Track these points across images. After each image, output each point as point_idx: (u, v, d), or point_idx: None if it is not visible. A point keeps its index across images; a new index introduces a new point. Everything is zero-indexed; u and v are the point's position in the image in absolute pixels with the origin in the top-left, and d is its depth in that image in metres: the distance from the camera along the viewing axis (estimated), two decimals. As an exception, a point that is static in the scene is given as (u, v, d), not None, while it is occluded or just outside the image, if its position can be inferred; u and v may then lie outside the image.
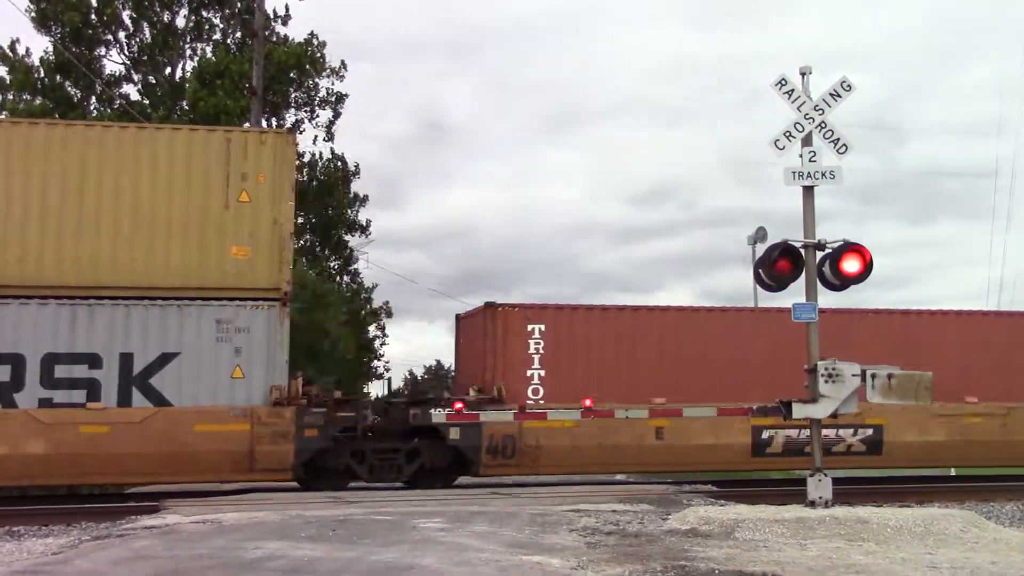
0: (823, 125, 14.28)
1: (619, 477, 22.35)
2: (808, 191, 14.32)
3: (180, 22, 40.01)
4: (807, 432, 18.15)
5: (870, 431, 21.39)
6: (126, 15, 39.09)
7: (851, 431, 21.23)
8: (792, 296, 14.66)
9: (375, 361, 45.07)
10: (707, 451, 20.65)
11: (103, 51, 39.56)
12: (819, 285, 14.27)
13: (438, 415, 19.12)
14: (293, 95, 40.86)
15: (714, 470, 21.98)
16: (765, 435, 21.03)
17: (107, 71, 39.75)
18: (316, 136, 42.02)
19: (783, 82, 14.42)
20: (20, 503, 18.38)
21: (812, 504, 13.51)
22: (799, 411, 14.06)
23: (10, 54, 37.75)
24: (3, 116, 17.91)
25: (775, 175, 14.74)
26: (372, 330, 44.00)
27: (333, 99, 41.56)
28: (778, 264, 14.16)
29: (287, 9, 40.35)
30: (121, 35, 39.45)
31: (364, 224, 41.89)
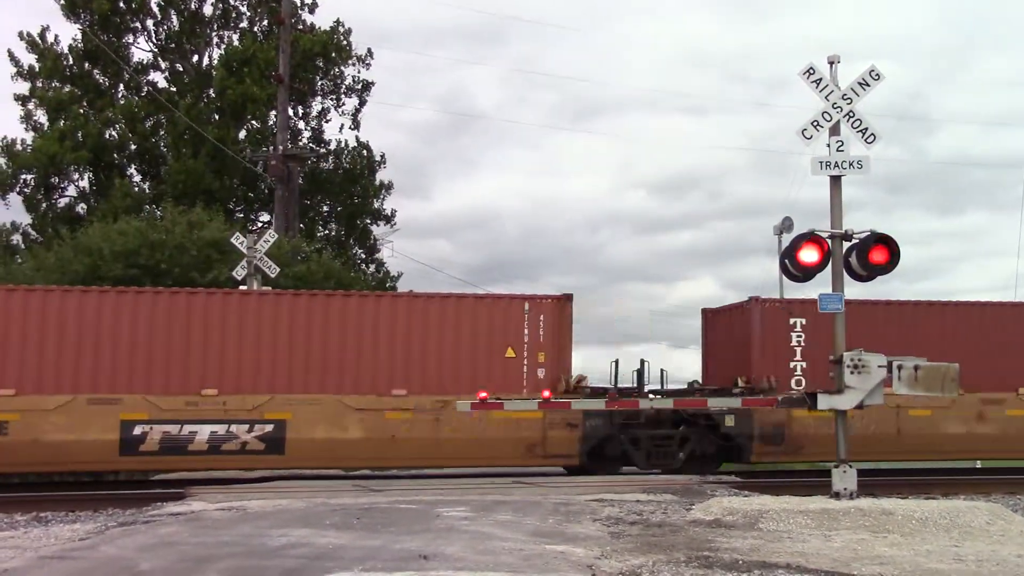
0: (851, 114, 14.17)
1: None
2: (835, 181, 14.22)
3: (207, 10, 40.20)
4: (189, 428, 18.70)
5: (270, 427, 19.10)
6: (154, 3, 39.28)
7: (246, 427, 18.98)
8: (818, 286, 14.57)
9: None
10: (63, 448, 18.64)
11: (131, 39, 39.79)
12: (845, 276, 14.18)
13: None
14: (319, 83, 40.95)
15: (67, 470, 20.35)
16: (138, 431, 18.65)
17: (135, 58, 39.95)
18: (342, 124, 42.13)
19: (811, 71, 14.32)
20: (47, 488, 18.53)
21: (837, 495, 13.44)
22: (824, 402, 13.97)
23: (39, 42, 37.96)
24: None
25: (802, 164, 14.66)
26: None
27: (359, 87, 41.63)
28: (804, 254, 14.08)
29: (314, -3, 40.46)
30: (149, 23, 39.66)
31: (389, 214, 41.88)
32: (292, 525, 11.37)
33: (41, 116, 38.03)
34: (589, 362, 38.60)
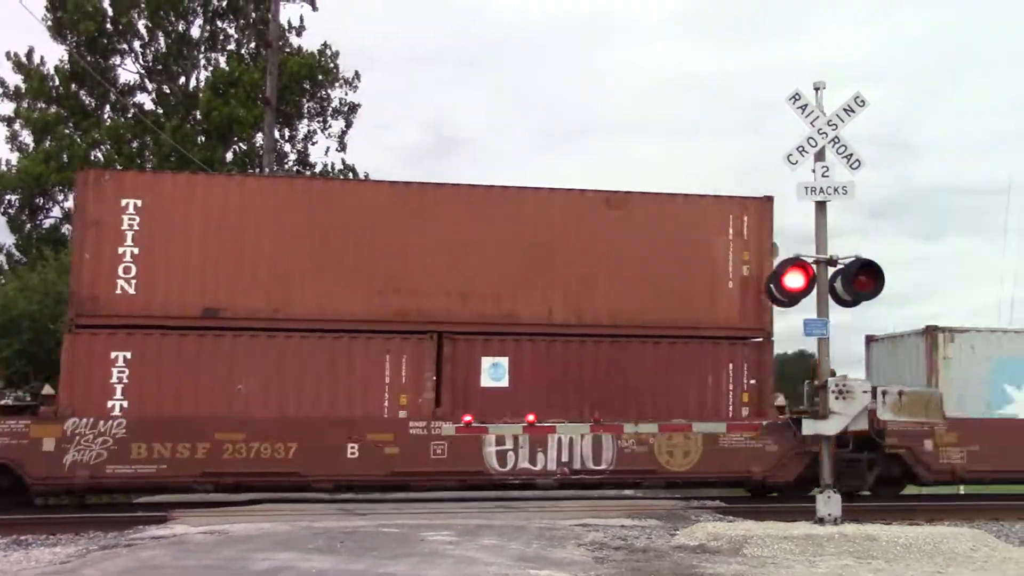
0: (836, 140, 14.25)
1: (627, 492, 22.17)
2: (821, 206, 14.29)
3: (195, 32, 40.16)
4: None
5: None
6: (141, 24, 39.23)
7: None
8: (804, 311, 14.60)
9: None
10: None
11: (118, 60, 39.69)
12: (831, 301, 14.23)
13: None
14: (306, 105, 40.95)
15: None
16: None
17: (121, 80, 39.90)
18: (328, 147, 42.08)
19: (797, 96, 14.41)
20: (29, 511, 18.39)
21: (821, 521, 13.45)
22: (809, 427, 14.01)
23: (26, 62, 37.92)
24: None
25: (787, 189, 14.74)
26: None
27: (346, 109, 41.63)
28: (789, 279, 14.12)
29: (301, 20, 40.49)
30: (136, 44, 39.61)
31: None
32: (275, 549, 11.31)
33: (26, 137, 37.96)
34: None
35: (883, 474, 20.69)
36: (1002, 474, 21.16)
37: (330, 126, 41.57)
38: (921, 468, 20.67)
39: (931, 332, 21.48)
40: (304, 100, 40.70)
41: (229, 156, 38.81)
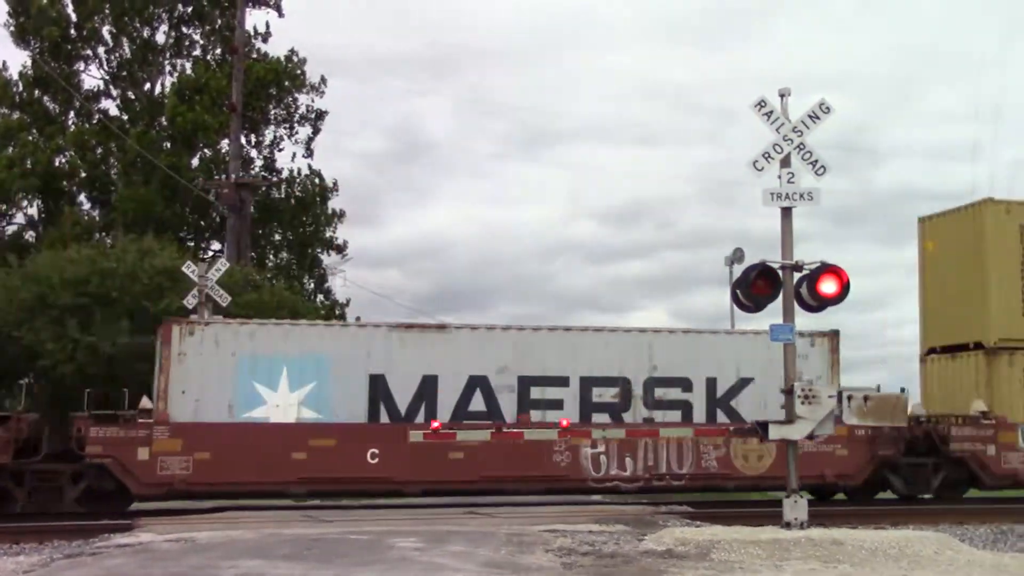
0: (802, 147, 14.32)
1: (595, 498, 22.21)
2: (786, 212, 14.36)
3: (160, 38, 40.01)
4: None
5: None
6: (106, 30, 39.06)
7: None
8: (770, 317, 14.67)
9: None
10: None
11: (82, 66, 39.48)
12: (796, 306, 14.31)
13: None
14: (272, 111, 40.81)
15: None
16: None
17: (86, 86, 39.67)
18: (294, 153, 41.95)
19: (762, 103, 14.47)
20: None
21: (788, 525, 13.50)
22: (775, 432, 14.08)
23: (-12, 68, 37.63)
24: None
25: (753, 195, 14.80)
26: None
27: (313, 115, 41.52)
28: (756, 285, 14.20)
29: (267, 27, 40.37)
30: (100, 50, 39.42)
31: (342, 244, 41.62)
32: (243, 556, 11.25)
33: (-10, 142, 37.66)
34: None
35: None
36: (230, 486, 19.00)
37: (297, 132, 41.48)
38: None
39: (167, 325, 19.51)
40: (271, 106, 40.57)
41: (195, 162, 38.64)
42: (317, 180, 40.78)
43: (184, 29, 40.37)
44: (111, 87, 39.93)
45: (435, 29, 76.93)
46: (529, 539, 13.23)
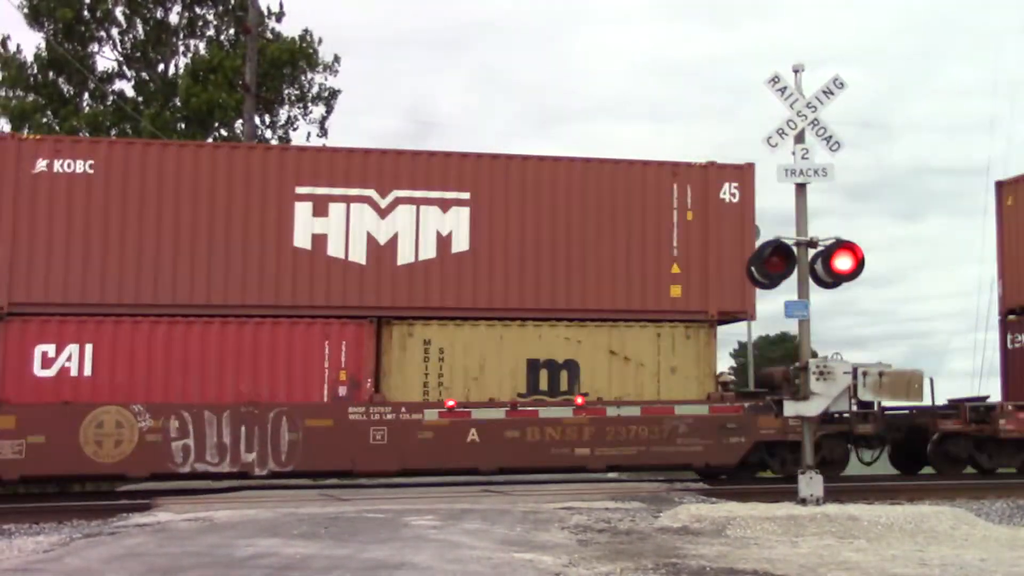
0: (816, 122, 14.30)
1: (611, 475, 22.23)
2: (800, 188, 14.35)
3: (173, 19, 39.92)
4: None
5: None
6: (119, 11, 38.98)
7: None
8: (785, 293, 14.68)
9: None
10: None
11: (96, 47, 39.44)
12: (811, 282, 14.29)
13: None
14: (286, 91, 40.78)
15: None
16: None
17: (100, 67, 39.68)
18: (309, 132, 41.94)
19: (776, 79, 14.44)
20: (10, 500, 18.36)
21: (803, 502, 13.53)
22: (790, 409, 14.09)
23: (2, 50, 37.67)
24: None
25: (767, 172, 14.78)
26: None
27: (327, 95, 41.48)
28: (770, 262, 14.18)
29: (281, 6, 40.23)
30: (114, 31, 39.35)
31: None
32: (259, 535, 11.32)
33: (4, 125, 37.75)
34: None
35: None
36: None
37: (311, 111, 41.46)
38: None
39: None
40: (285, 86, 40.53)
41: (210, 142, 38.65)
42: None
43: (197, 9, 40.27)
44: (125, 68, 39.90)
45: (449, 7, 76.90)
46: (544, 516, 13.27)
